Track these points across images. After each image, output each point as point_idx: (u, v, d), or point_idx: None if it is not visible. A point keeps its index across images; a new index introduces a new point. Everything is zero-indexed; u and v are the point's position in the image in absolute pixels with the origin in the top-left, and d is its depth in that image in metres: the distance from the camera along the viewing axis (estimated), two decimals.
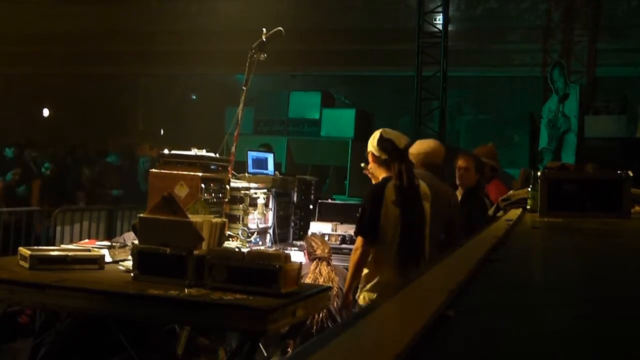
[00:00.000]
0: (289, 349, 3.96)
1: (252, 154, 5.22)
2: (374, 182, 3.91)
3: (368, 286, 3.68)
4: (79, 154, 10.79)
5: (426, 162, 4.33)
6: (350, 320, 0.97)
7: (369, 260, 3.70)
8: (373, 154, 3.79)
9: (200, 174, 4.19)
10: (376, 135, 3.80)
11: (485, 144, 5.68)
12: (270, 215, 4.93)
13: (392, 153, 3.72)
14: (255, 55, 4.51)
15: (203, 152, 4.40)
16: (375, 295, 3.61)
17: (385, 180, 3.72)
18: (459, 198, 4.58)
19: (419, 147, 4.38)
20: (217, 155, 4.57)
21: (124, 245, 3.86)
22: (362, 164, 4.12)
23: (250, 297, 2.86)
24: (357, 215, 3.82)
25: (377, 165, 3.79)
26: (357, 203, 6.84)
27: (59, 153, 10.96)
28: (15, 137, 11.68)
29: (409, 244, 3.68)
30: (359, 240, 3.70)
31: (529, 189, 3.27)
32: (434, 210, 3.89)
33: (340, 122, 10.74)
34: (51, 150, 10.83)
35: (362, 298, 3.70)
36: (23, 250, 3.50)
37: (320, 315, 4.16)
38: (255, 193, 4.67)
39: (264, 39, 4.51)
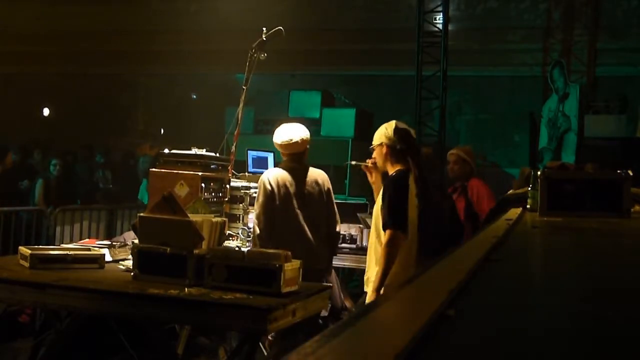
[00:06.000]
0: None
1: (252, 153, 5.23)
2: (374, 177, 3.86)
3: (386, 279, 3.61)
4: (81, 155, 10.80)
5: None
6: (351, 320, 0.97)
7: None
8: (386, 144, 3.68)
9: (200, 173, 4.19)
10: (390, 125, 3.72)
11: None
12: None
13: (409, 143, 3.69)
14: (255, 55, 4.50)
15: (203, 152, 4.40)
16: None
17: (405, 171, 3.63)
18: None
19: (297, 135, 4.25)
20: (217, 154, 4.57)
21: (124, 245, 3.86)
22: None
23: (250, 297, 2.86)
24: (386, 207, 3.56)
25: (388, 157, 3.69)
26: (357, 202, 6.83)
27: (58, 154, 10.96)
28: (15, 137, 11.68)
29: (427, 236, 3.65)
30: (393, 233, 3.51)
31: (529, 189, 3.27)
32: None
33: (340, 121, 10.74)
34: (55, 152, 10.79)
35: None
36: (23, 249, 3.50)
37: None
38: (255, 192, 4.67)
39: (264, 39, 4.51)
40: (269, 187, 4.11)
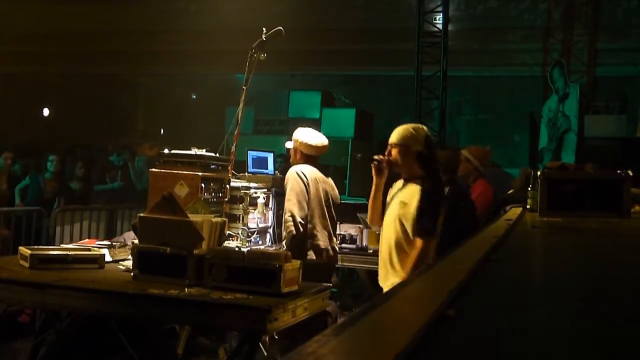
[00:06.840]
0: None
1: (252, 154, 5.22)
2: (384, 172, 3.78)
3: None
4: (80, 155, 10.78)
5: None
6: (351, 320, 0.97)
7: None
8: (415, 149, 3.61)
9: (200, 174, 4.19)
10: (421, 130, 3.68)
11: (485, 143, 5.77)
12: (270, 214, 4.93)
13: (433, 151, 3.70)
14: (255, 55, 4.50)
15: (203, 152, 4.40)
16: None
17: (440, 180, 3.71)
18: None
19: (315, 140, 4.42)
20: (217, 154, 4.57)
21: (124, 245, 3.86)
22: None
23: (250, 297, 2.86)
24: (429, 215, 3.52)
25: (414, 161, 3.62)
26: (357, 202, 6.82)
27: (58, 155, 10.91)
28: (15, 137, 11.68)
29: (444, 241, 3.66)
30: (431, 241, 3.49)
31: (529, 189, 3.27)
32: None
33: (340, 121, 10.75)
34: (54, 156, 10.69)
35: None
36: (23, 249, 3.50)
37: None
38: (255, 192, 4.67)
39: (264, 39, 4.51)
40: (304, 177, 4.25)
